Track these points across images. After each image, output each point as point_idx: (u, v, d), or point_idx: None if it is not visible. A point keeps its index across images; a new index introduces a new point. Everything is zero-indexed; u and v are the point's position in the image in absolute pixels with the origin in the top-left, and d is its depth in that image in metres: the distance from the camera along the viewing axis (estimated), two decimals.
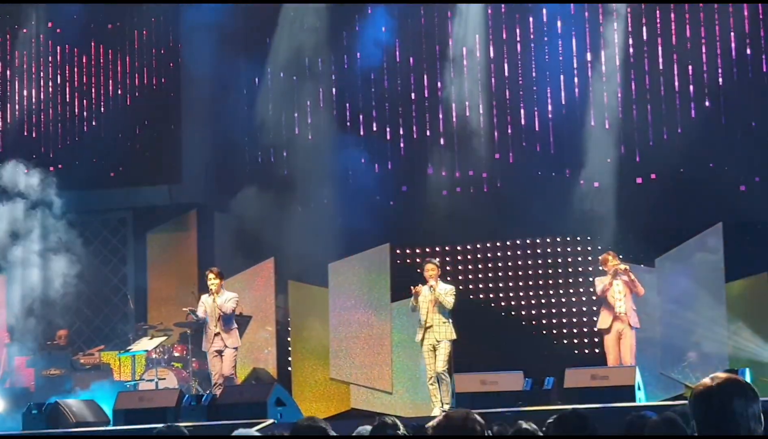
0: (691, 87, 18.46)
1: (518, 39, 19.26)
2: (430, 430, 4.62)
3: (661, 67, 18.59)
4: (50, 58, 20.79)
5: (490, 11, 19.23)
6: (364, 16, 19.81)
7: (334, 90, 19.95)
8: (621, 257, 15.88)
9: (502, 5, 19.26)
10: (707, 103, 18.41)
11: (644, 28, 18.62)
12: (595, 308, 16.01)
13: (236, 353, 15.87)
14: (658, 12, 18.66)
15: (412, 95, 19.65)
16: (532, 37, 19.17)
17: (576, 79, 18.93)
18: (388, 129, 19.70)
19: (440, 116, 19.48)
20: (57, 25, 20.72)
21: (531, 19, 19.16)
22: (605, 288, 15.33)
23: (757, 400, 3.95)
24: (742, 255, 17.70)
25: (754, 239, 18.01)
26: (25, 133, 20.88)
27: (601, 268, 15.77)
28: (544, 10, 19.06)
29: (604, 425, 6.75)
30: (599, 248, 18.19)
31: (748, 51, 18.27)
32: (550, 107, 19.02)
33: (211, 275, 15.81)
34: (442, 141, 19.40)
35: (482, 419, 4.55)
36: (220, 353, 15.70)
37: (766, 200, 17.68)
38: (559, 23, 19.03)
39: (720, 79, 18.31)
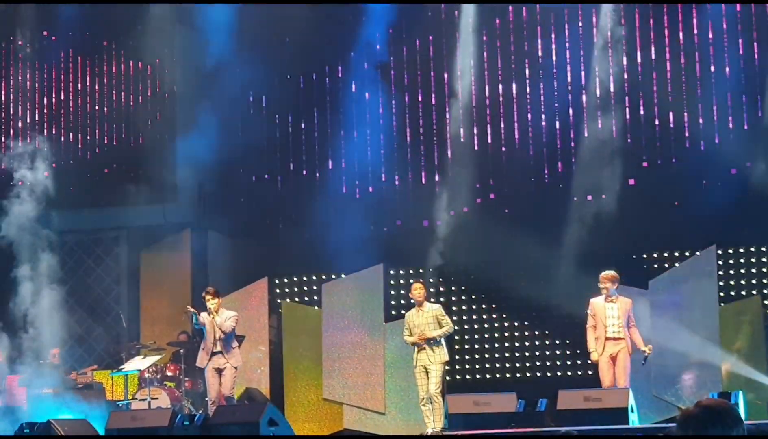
0: (685, 101, 18.53)
1: (511, 58, 19.32)
2: None
3: (655, 89, 18.64)
4: (45, 75, 20.80)
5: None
6: (355, 41, 19.82)
7: (328, 108, 20.00)
8: (624, 278, 15.67)
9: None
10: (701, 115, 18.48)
11: (638, 54, 18.68)
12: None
13: (236, 372, 15.82)
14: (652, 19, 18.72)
15: (406, 109, 19.71)
16: (527, 64, 19.24)
17: (570, 98, 18.96)
18: (382, 152, 19.73)
19: (435, 139, 19.52)
20: (51, 42, 20.72)
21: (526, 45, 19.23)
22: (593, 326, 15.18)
23: (740, 425, 3.97)
24: (735, 278, 17.73)
25: (747, 262, 18.04)
26: (20, 151, 20.87)
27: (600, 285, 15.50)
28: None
29: None
30: (592, 269, 18.20)
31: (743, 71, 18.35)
32: (544, 124, 19.05)
33: (208, 296, 15.61)
34: (436, 161, 19.42)
35: None
36: (219, 371, 15.63)
37: (759, 223, 17.70)
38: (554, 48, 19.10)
39: (714, 107, 18.38)
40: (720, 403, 4.03)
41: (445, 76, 19.44)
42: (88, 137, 20.55)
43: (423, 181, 19.48)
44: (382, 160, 19.63)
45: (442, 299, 17.69)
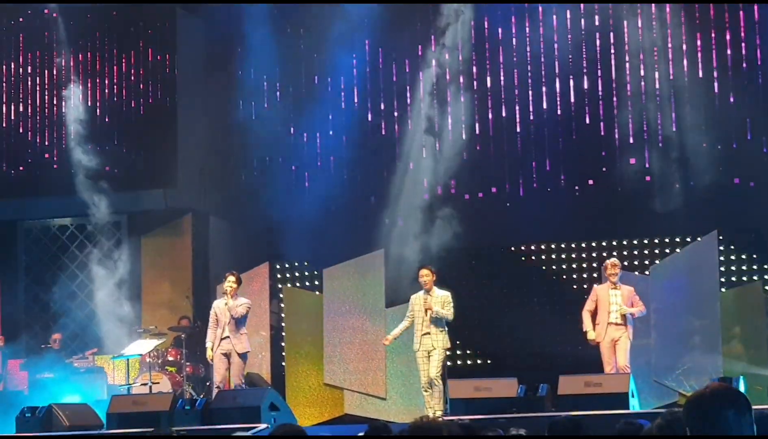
0: (688, 93, 18.50)
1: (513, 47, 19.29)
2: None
3: (656, 73, 18.62)
4: (46, 59, 20.77)
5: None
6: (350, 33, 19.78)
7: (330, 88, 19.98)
8: (624, 264, 15.74)
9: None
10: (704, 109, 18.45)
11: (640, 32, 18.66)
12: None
13: (245, 359, 15.89)
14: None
15: (408, 95, 19.68)
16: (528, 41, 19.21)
17: (572, 81, 18.95)
18: (383, 129, 19.71)
19: (436, 120, 19.49)
20: (55, 28, 20.69)
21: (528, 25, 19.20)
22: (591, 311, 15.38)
23: (749, 410, 3.98)
24: (737, 263, 17.71)
25: (749, 247, 18.03)
26: (21, 137, 20.87)
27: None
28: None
29: (597, 432, 6.75)
30: (593, 254, 18.22)
31: (744, 65, 18.32)
32: (545, 107, 19.03)
33: (231, 278, 15.76)
34: (437, 146, 19.39)
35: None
36: (227, 356, 15.68)
37: (761, 208, 17.70)
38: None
39: (716, 86, 18.35)
40: (731, 387, 4.04)
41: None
42: (90, 121, 20.50)
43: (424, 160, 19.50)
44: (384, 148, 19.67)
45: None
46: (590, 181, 18.63)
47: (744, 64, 18.30)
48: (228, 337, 15.60)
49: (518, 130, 19.16)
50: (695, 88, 18.41)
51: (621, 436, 6.22)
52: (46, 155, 20.69)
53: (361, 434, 7.46)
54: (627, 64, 18.70)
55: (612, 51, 18.75)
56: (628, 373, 14.44)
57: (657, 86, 18.59)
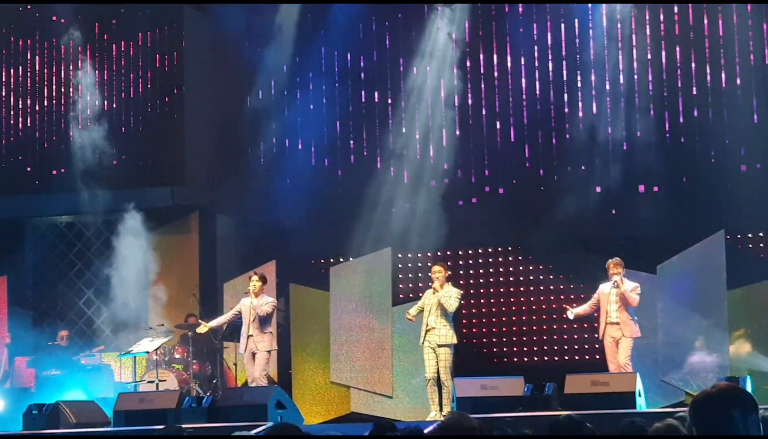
0: (694, 89, 18.45)
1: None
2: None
3: (665, 70, 18.60)
4: (54, 55, 20.79)
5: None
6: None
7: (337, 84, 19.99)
8: (624, 264, 15.68)
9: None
10: (710, 102, 18.41)
11: (648, 35, 18.64)
12: (596, 314, 15.98)
13: (269, 356, 15.97)
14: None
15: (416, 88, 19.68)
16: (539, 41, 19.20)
17: (579, 82, 18.93)
18: (390, 134, 19.71)
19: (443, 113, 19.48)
20: (59, 21, 20.71)
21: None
22: (592, 306, 15.43)
23: (756, 409, 3.99)
24: (744, 263, 17.69)
25: (756, 247, 18.01)
26: (28, 134, 20.90)
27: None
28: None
29: (604, 431, 6.73)
30: (601, 253, 18.17)
31: (752, 57, 18.29)
32: (552, 112, 19.02)
33: (254, 277, 16.07)
34: (444, 142, 19.38)
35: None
36: (253, 355, 15.80)
37: None
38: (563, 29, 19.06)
39: (724, 82, 18.32)
40: (738, 387, 4.05)
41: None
42: (97, 119, 20.52)
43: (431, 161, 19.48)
44: (390, 145, 19.66)
45: (449, 283, 17.67)
46: (597, 188, 18.61)
47: (752, 61, 18.25)
48: (252, 335, 15.73)
49: (525, 130, 19.14)
50: (702, 87, 18.38)
51: (624, 436, 6.21)
52: (54, 152, 20.69)
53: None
54: (635, 66, 18.68)
55: (620, 52, 18.73)
56: (634, 372, 14.42)
57: (664, 80, 18.56)
